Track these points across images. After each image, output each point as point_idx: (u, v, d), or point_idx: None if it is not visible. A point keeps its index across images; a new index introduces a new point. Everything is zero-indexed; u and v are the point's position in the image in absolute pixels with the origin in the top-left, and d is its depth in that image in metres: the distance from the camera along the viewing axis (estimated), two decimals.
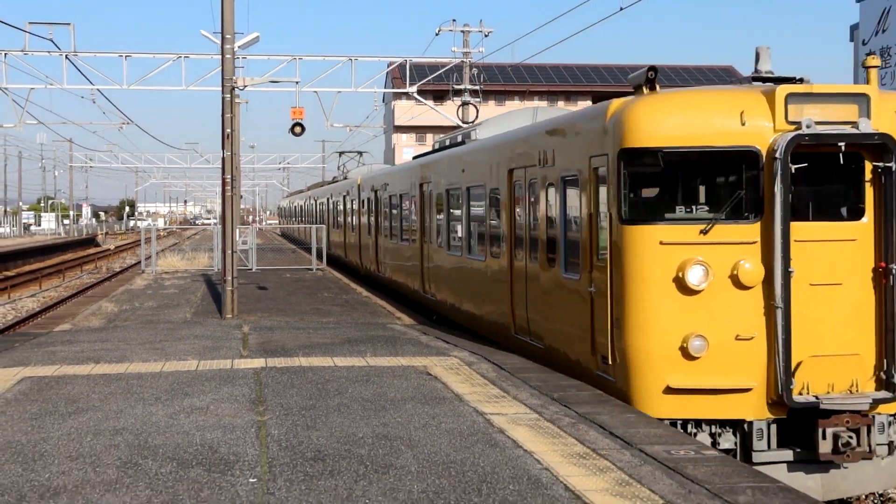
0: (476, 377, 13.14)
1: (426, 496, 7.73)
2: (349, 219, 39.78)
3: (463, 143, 22.52)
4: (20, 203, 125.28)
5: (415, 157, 30.31)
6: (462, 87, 33.98)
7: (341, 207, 42.09)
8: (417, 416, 10.72)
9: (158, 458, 8.98)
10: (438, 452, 9.08)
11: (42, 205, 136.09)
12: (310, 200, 60.96)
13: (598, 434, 9.83)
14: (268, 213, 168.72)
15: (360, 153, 53.01)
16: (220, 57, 22.68)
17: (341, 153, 50.63)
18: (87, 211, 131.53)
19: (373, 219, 32.84)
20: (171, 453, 9.13)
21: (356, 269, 37.66)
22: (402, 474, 8.36)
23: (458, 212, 22.01)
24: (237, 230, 24.87)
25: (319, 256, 38.82)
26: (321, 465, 8.67)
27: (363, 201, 34.88)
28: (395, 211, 29.40)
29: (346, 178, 42.83)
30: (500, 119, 22.39)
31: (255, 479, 8.25)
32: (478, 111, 34.00)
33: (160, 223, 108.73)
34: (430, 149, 28.15)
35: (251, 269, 36.78)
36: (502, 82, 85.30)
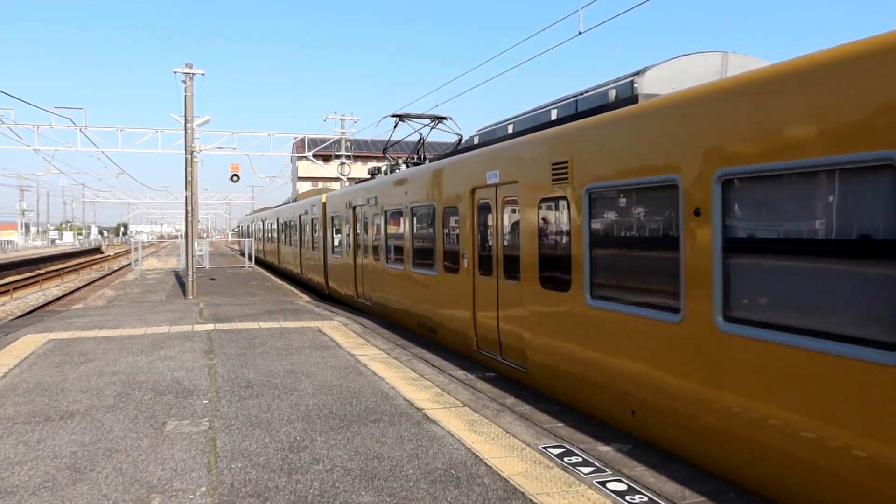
0: (350, 333, 13.05)
1: (317, 407, 7.66)
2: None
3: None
4: (48, 224, 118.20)
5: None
6: (341, 153, 33.62)
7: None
8: (312, 357, 10.58)
9: (142, 389, 8.58)
10: (326, 380, 9.00)
11: (63, 226, 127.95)
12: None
13: (425, 366, 9.94)
14: (216, 230, 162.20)
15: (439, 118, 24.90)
16: (183, 132, 21.78)
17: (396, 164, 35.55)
18: (94, 230, 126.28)
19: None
20: (151, 386, 8.74)
21: (273, 265, 36.92)
22: (303, 394, 8.25)
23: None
24: (196, 242, 23.99)
25: (250, 259, 37.72)
26: (250, 390, 8.46)
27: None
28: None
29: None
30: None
31: (206, 401, 7.99)
32: (350, 168, 33.75)
33: (145, 238, 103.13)
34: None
35: (205, 267, 35.41)
36: (365, 150, 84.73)
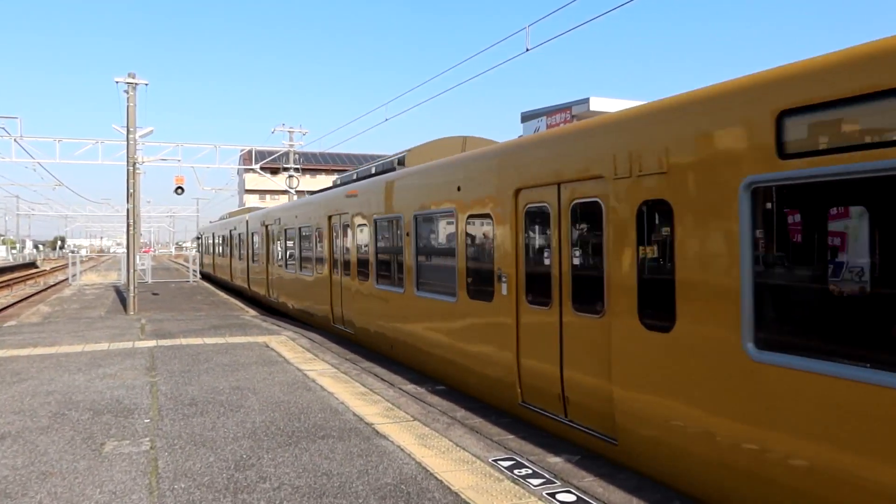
0: (298, 347, 12.86)
1: (265, 424, 7.51)
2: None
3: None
4: None
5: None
6: (289, 166, 33.21)
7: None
8: (259, 373, 10.38)
9: (80, 409, 8.27)
10: (273, 396, 8.84)
11: None
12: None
13: (374, 380, 9.85)
14: (159, 244, 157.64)
15: None
16: (126, 143, 21.24)
17: None
18: (29, 244, 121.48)
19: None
20: (89, 406, 8.43)
21: (213, 276, 36.14)
22: (249, 411, 8.08)
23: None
24: (138, 256, 23.33)
25: (195, 273, 36.85)
26: (195, 408, 8.24)
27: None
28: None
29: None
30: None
31: (148, 420, 7.75)
32: (299, 181, 33.36)
33: (83, 252, 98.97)
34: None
35: (148, 282, 34.46)
36: (314, 163, 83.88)
